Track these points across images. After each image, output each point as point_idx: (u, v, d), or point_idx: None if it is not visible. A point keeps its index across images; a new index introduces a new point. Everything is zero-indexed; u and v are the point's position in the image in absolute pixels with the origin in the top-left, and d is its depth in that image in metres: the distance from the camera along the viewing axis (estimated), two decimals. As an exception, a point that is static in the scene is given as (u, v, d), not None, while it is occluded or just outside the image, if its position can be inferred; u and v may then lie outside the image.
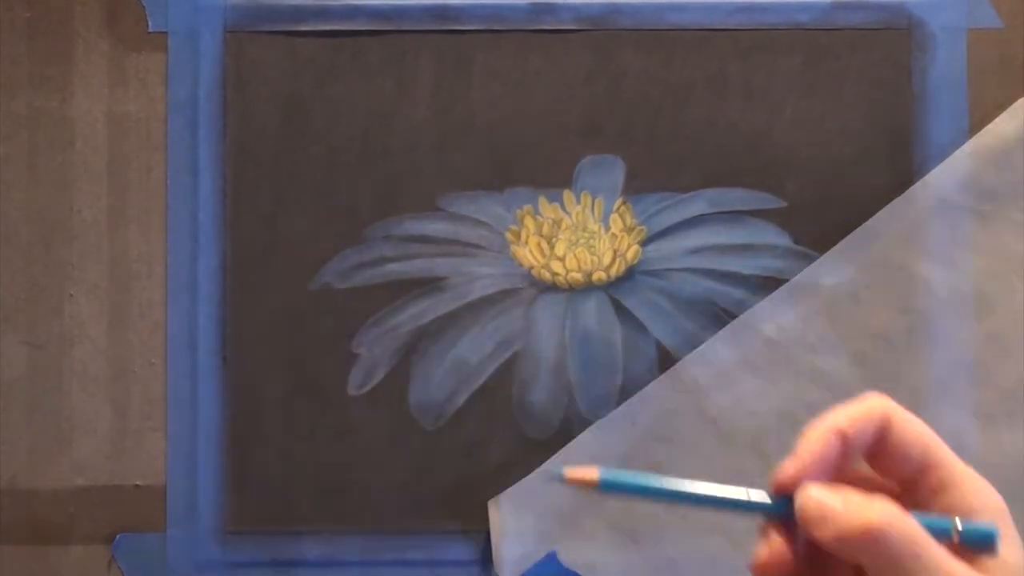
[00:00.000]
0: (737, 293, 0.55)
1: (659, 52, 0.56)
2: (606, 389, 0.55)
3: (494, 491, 0.54)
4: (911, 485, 0.39)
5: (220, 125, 0.56)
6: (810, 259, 0.54)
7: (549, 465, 0.54)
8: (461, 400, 0.55)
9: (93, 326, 0.56)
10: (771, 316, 0.52)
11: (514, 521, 0.54)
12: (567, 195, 0.55)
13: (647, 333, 0.55)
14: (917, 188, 0.54)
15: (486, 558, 0.54)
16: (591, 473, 0.33)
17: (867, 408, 0.40)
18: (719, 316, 0.55)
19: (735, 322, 0.54)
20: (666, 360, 0.55)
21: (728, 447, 0.53)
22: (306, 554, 0.55)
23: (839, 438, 0.37)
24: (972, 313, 0.53)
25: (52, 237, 0.56)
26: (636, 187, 0.55)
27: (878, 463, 0.38)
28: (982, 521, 0.35)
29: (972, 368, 0.53)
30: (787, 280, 0.54)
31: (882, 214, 0.54)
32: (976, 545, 0.36)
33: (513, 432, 0.55)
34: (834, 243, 0.54)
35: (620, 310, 0.55)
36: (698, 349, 0.54)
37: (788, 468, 0.35)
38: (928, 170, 0.55)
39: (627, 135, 0.55)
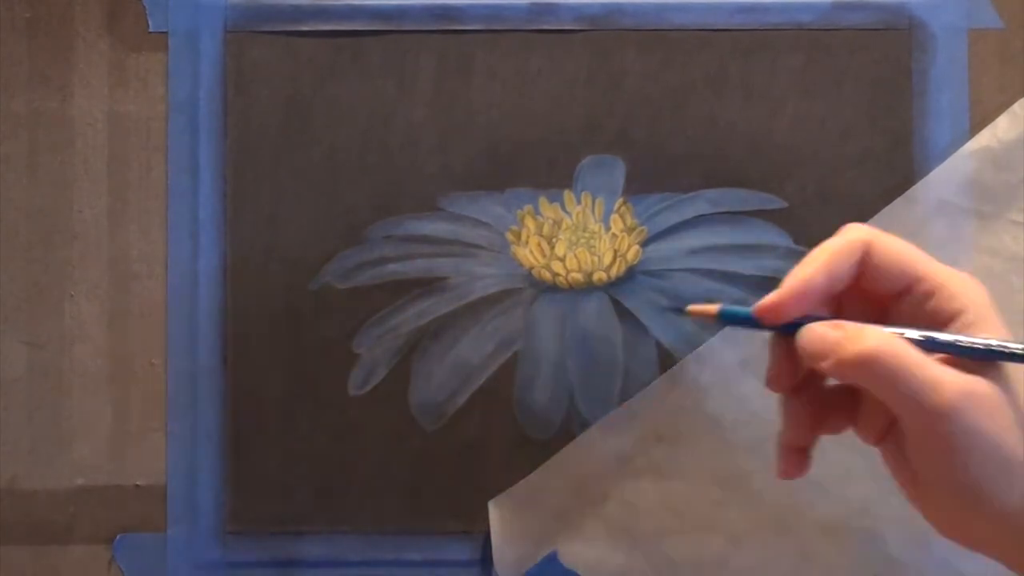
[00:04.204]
0: (737, 293, 0.55)
1: (660, 52, 0.56)
2: (606, 389, 0.55)
3: (494, 491, 0.54)
4: (899, 300, 0.42)
5: (220, 125, 0.56)
6: (810, 259, 0.54)
7: (549, 464, 0.54)
8: (461, 400, 0.55)
9: (93, 326, 0.56)
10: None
11: (514, 521, 0.54)
12: (567, 195, 0.55)
13: (647, 333, 0.55)
14: (917, 188, 0.54)
15: (486, 558, 0.54)
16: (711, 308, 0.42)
17: (847, 240, 0.44)
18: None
19: (736, 322, 0.54)
20: (666, 360, 0.55)
21: (728, 447, 0.53)
22: (306, 554, 0.55)
23: (823, 271, 0.41)
24: (972, 313, 0.53)
25: (52, 237, 0.56)
26: (636, 187, 0.55)
27: (866, 284, 0.42)
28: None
29: (972, 368, 0.53)
30: (787, 280, 0.54)
31: (882, 214, 0.54)
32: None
33: (513, 432, 0.55)
34: (834, 243, 0.54)
35: (620, 310, 0.55)
36: (698, 349, 0.54)
37: (769, 298, 0.40)
38: (928, 170, 0.55)
39: (627, 135, 0.55)
